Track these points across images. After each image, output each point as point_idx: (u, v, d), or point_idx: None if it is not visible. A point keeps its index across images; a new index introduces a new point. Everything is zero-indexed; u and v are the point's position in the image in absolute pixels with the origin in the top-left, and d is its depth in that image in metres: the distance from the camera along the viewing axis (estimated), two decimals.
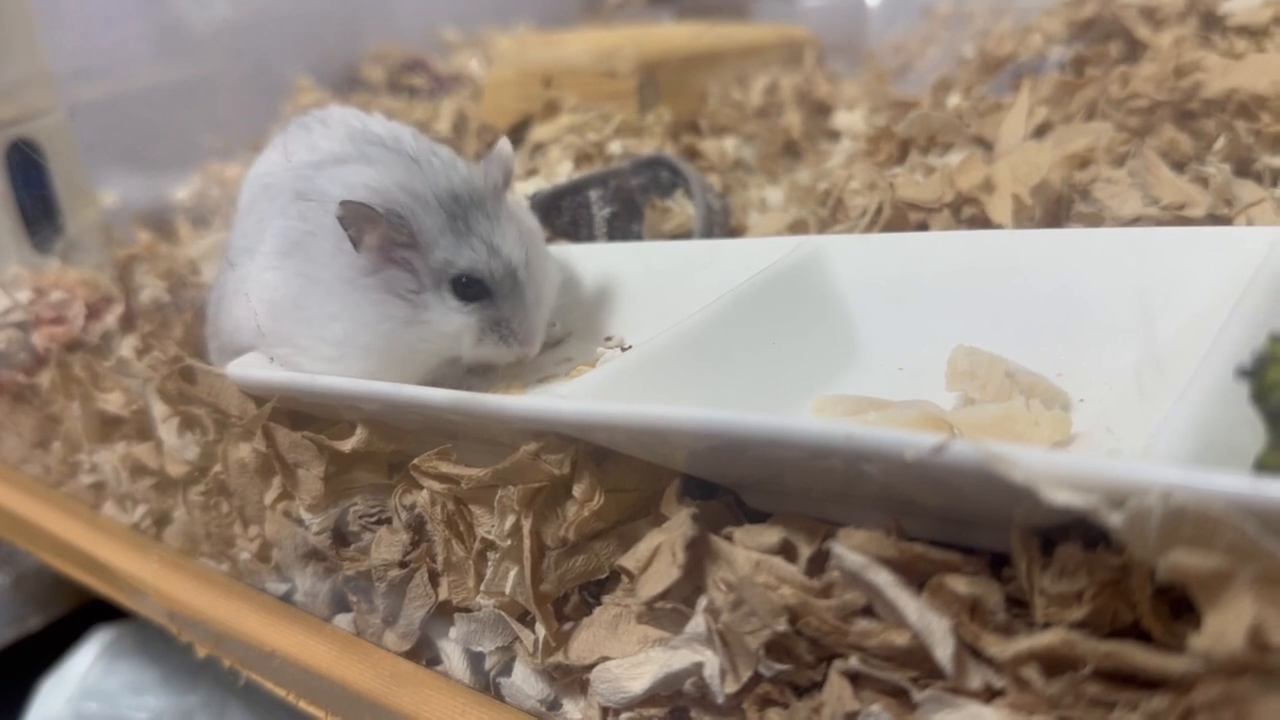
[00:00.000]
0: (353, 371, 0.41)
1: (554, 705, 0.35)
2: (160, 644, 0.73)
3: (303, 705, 0.44)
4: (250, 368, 0.44)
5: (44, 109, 0.73)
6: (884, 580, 0.26)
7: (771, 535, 0.30)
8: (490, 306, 0.43)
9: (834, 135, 0.78)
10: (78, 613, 0.80)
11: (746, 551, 0.29)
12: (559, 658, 0.34)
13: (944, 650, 0.25)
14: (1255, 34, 0.59)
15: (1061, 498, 0.22)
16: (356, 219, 0.41)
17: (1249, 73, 0.51)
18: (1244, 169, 0.47)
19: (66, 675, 0.73)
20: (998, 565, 0.27)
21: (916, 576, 0.27)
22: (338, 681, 0.41)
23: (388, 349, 0.42)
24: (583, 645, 0.34)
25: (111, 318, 0.58)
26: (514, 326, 0.43)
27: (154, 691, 0.71)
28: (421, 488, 0.38)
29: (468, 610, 0.37)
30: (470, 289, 0.42)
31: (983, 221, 0.49)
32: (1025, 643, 0.24)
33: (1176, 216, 0.44)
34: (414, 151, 0.44)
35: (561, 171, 0.68)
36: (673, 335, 0.39)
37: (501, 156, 0.45)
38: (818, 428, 0.27)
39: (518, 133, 0.79)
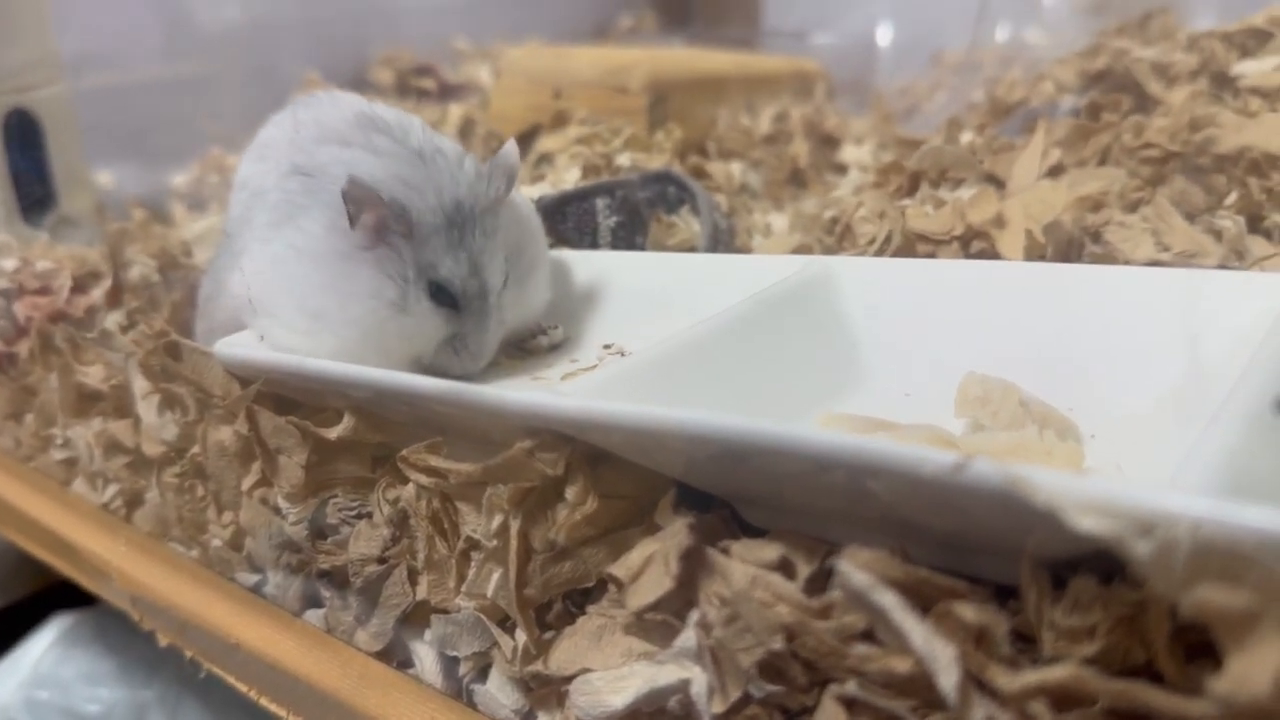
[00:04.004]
0: (323, 348, 0.40)
1: (528, 716, 0.34)
2: (119, 635, 0.71)
3: (264, 702, 0.42)
4: (238, 346, 0.42)
5: (45, 81, 0.71)
6: (890, 602, 0.25)
7: (770, 551, 0.29)
8: (454, 319, 0.43)
9: (840, 168, 0.77)
10: (36, 598, 0.78)
11: (744, 566, 0.28)
12: (538, 666, 0.33)
13: (948, 679, 0.24)
14: (1267, 96, 0.59)
15: (1086, 524, 0.21)
16: (359, 199, 0.40)
17: (1263, 131, 0.51)
18: (1254, 225, 0.47)
19: (20, 661, 0.71)
20: (1001, 597, 0.26)
21: (921, 601, 0.26)
22: (303, 679, 0.39)
23: (373, 327, 0.41)
24: (564, 655, 0.32)
25: (98, 292, 0.57)
26: (468, 342, 0.43)
27: (108, 683, 0.69)
28: (407, 482, 0.36)
29: (446, 612, 0.36)
30: (441, 296, 0.42)
31: (992, 257, 0.48)
32: (1035, 676, 0.23)
33: (1188, 265, 0.44)
34: (420, 147, 0.44)
35: (569, 179, 0.67)
36: (676, 343, 0.38)
37: (506, 162, 0.44)
38: (826, 438, 0.26)
39: (525, 142, 0.79)
